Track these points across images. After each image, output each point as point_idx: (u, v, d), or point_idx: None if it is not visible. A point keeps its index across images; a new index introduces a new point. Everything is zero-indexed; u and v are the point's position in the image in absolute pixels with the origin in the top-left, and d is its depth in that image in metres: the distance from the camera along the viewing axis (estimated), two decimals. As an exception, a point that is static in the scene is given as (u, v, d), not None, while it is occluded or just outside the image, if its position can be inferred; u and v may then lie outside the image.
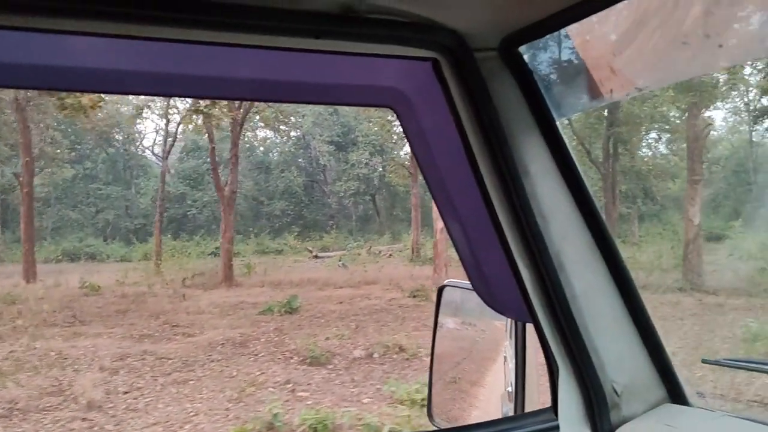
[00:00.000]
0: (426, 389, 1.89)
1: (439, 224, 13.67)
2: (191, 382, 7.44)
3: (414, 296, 13.72)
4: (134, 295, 14.98)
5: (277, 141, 37.37)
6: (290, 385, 7.20)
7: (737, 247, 19.42)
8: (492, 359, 1.88)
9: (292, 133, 37.44)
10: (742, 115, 33.44)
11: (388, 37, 1.05)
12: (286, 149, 36.95)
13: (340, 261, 23.21)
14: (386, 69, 1.23)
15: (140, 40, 0.94)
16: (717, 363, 1.51)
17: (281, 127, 37.51)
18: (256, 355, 8.86)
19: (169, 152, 23.73)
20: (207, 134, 17.99)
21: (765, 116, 31.69)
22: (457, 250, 1.42)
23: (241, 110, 16.97)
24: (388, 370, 7.88)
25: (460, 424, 1.64)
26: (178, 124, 23.46)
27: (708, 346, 8.73)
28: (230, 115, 16.36)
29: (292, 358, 8.65)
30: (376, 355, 8.55)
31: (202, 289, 16.46)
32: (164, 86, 1.20)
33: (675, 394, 1.23)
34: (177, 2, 0.87)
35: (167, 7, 0.86)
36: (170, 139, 24.20)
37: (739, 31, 1.11)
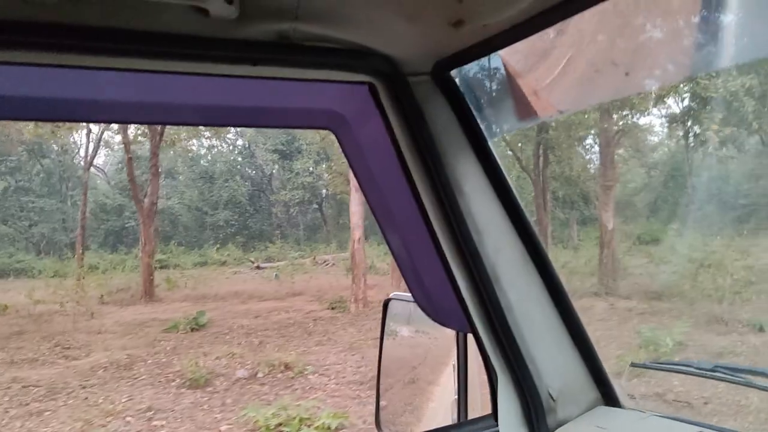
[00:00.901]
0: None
1: (357, 234, 13.28)
2: (47, 413, 6.81)
3: (332, 308, 13.28)
4: (42, 314, 14.12)
5: (224, 150, 36.58)
6: (150, 413, 6.65)
7: (663, 250, 19.61)
8: (446, 363, 1.93)
9: (239, 142, 36.75)
10: (679, 121, 34.14)
11: (323, 63, 1.08)
12: (231, 158, 36.16)
13: (275, 272, 22.61)
14: (324, 93, 1.26)
15: (84, 70, 0.95)
16: (644, 366, 1.61)
17: (228, 136, 36.87)
18: (135, 378, 8.26)
19: (91, 162, 22.81)
20: (151, 143, 17.22)
21: (697, 123, 32.43)
22: (398, 265, 1.44)
23: (161, 120, 16.26)
24: (267, 392, 7.41)
25: None
26: (117, 133, 22.63)
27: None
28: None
29: (173, 380, 8.10)
30: (260, 375, 8.06)
31: (119, 305, 15.69)
32: (107, 113, 1.19)
33: (608, 396, 1.29)
34: (117, 32, 0.88)
35: (107, 38, 0.88)
36: (106, 149, 23.26)
37: (643, 60, 1.18)
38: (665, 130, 33.87)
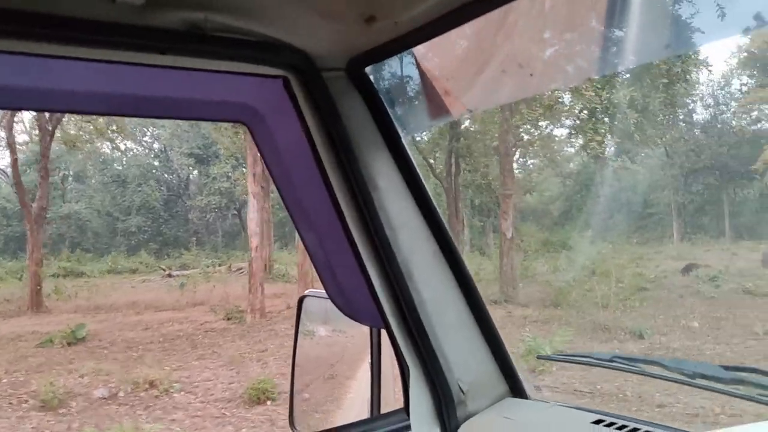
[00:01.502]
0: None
1: (254, 242, 12.74)
2: None
3: (228, 319, 12.68)
4: None
5: (139, 153, 34.99)
6: (-22, 442, 5.95)
7: (567, 258, 20.08)
8: (363, 359, 1.91)
9: (155, 145, 35.22)
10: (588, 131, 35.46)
11: (236, 55, 1.07)
12: (146, 162, 34.62)
13: (181, 281, 21.61)
14: (238, 85, 1.22)
15: None
16: (549, 358, 1.70)
17: (144, 139, 35.24)
18: (-19, 400, 7.45)
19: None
20: (41, 143, 15.88)
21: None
22: (313, 261, 1.43)
23: (52, 120, 15.20)
24: (124, 413, 6.81)
25: (319, 430, 1.65)
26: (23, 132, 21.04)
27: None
28: (36, 125, 14.55)
29: (26, 401, 7.34)
30: (121, 394, 7.44)
31: (1, 317, 14.46)
32: (7, 99, 1.11)
33: (516, 388, 1.34)
34: (17, 14, 0.84)
35: (7, 20, 0.84)
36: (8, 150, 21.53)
37: (546, 62, 1.23)
38: (577, 141, 35.13)
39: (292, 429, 1.85)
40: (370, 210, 1.20)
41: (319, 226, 1.38)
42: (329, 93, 1.18)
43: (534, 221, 34.69)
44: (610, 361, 1.30)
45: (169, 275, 24.82)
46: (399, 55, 1.21)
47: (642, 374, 1.27)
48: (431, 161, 19.26)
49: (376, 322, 1.30)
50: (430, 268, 1.27)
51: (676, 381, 1.15)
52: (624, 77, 11.48)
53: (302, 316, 1.90)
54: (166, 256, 29.68)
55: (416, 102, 1.45)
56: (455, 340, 1.27)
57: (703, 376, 1.10)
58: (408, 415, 1.25)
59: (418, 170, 1.27)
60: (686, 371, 1.14)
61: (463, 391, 1.26)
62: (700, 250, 26.18)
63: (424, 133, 20.19)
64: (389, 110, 1.25)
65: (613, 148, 13.72)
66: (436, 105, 1.35)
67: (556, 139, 30.09)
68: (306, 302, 1.92)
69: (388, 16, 1.01)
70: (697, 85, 31.81)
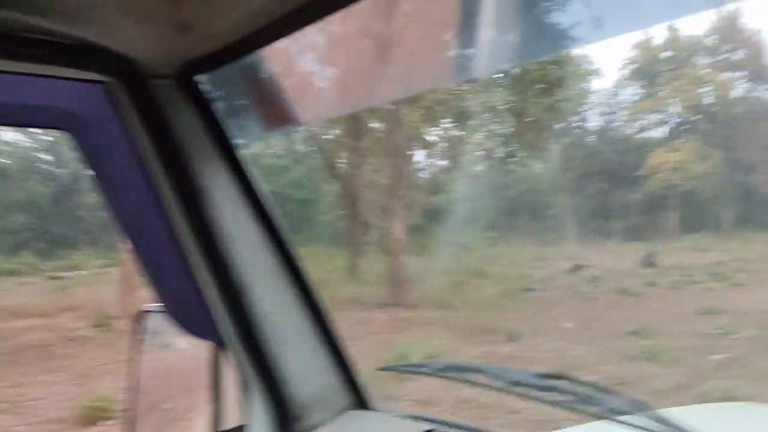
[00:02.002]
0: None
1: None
2: None
3: (97, 326, 11.67)
4: None
5: (26, 146, 32.31)
6: None
7: (464, 258, 20.30)
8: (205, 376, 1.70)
9: (44, 138, 32.62)
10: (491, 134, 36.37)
11: (51, 58, 1.01)
12: (34, 155, 32.00)
13: (65, 284, 20.02)
14: (58, 90, 1.17)
15: None
16: (392, 369, 1.56)
17: (34, 130, 32.54)
18: None
19: None
20: None
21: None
22: (147, 276, 1.37)
23: None
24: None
25: None
26: None
27: (363, 368, 8.15)
28: None
29: None
30: (-69, 419, 6.47)
31: None
32: None
33: (360, 401, 1.33)
34: None
35: None
36: None
37: (408, 64, 1.18)
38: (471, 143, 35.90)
39: None
40: (204, 223, 1.17)
41: (150, 238, 1.32)
42: (157, 101, 1.13)
43: (439, 222, 35.02)
44: (444, 370, 1.29)
45: (54, 277, 22.98)
46: (236, 64, 1.15)
47: (471, 383, 1.26)
48: (332, 161, 18.79)
49: (215, 337, 1.27)
50: (270, 281, 1.25)
51: (499, 389, 1.14)
52: (502, 82, 11.59)
53: (139, 333, 1.80)
54: (53, 257, 27.52)
55: (253, 112, 1.41)
56: (296, 353, 1.26)
57: (521, 384, 1.10)
58: None
59: (256, 180, 1.23)
60: (507, 379, 1.13)
61: (304, 406, 1.24)
62: (591, 251, 27.38)
63: (320, 129, 19.78)
64: (224, 120, 1.21)
65: (502, 152, 13.78)
66: (274, 115, 1.33)
67: (461, 141, 30.58)
68: (145, 317, 1.80)
69: (205, 25, 0.97)
70: (589, 94, 33.40)
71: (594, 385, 1.07)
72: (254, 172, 1.25)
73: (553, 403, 1.06)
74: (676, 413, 1.13)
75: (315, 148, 19.01)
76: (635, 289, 13.60)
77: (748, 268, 17.47)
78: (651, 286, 14.63)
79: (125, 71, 1.08)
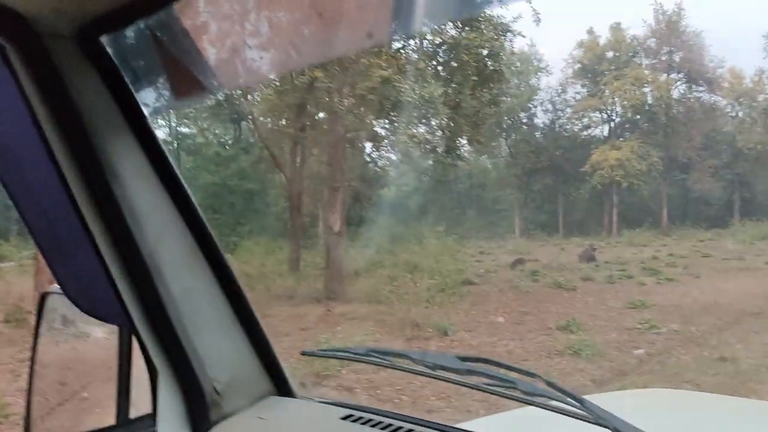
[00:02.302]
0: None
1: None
2: None
3: (8, 321, 10.93)
4: None
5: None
6: None
7: (409, 252, 20.20)
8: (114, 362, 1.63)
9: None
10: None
11: None
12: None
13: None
14: None
15: None
16: (313, 354, 1.47)
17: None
18: None
19: None
20: None
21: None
22: (45, 256, 1.24)
23: None
24: None
25: None
26: None
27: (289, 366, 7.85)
28: None
29: None
30: None
31: None
32: None
33: (280, 387, 1.28)
34: None
35: None
36: None
37: (326, 25, 1.13)
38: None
39: None
40: (109, 199, 1.07)
41: (49, 215, 1.19)
42: (56, 64, 1.00)
43: (386, 215, 34.83)
44: (366, 355, 1.26)
45: (-23, 269, 21.68)
46: (145, 22, 1.06)
47: (392, 367, 1.24)
48: (275, 151, 18.27)
49: (122, 320, 1.19)
50: (182, 261, 1.17)
51: (420, 373, 1.12)
52: (440, 74, 11.42)
53: (44, 315, 1.66)
54: (-20, 247, 26.01)
55: (163, 79, 1.29)
56: (211, 337, 1.20)
57: (443, 368, 1.09)
58: (155, 420, 1.17)
59: (167, 153, 1.15)
60: (428, 363, 1.11)
61: (218, 392, 1.19)
62: (536, 245, 27.79)
63: (266, 120, 19.27)
64: (132, 87, 1.10)
65: (443, 146, 13.66)
66: (184, 83, 1.24)
67: (408, 134, 30.44)
68: (48, 300, 1.68)
69: None
70: (539, 91, 33.90)
71: (515, 368, 1.06)
72: (164, 144, 1.17)
73: (475, 387, 1.05)
74: (597, 398, 1.13)
75: (260, 138, 18.43)
76: (571, 283, 13.75)
77: (679, 263, 18.01)
78: (587, 280, 14.84)
79: (18, 30, 0.97)
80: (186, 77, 1.22)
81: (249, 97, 17.12)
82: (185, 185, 1.17)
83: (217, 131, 32.53)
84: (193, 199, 1.18)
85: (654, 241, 27.49)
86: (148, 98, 1.21)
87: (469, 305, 11.38)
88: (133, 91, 1.12)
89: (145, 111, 1.15)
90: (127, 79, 1.11)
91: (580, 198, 35.04)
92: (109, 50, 1.09)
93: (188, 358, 1.16)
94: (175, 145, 32.86)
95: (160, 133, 32.54)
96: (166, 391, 1.18)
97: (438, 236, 30.56)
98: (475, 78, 11.10)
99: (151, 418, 1.23)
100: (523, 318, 10.00)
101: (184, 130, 33.44)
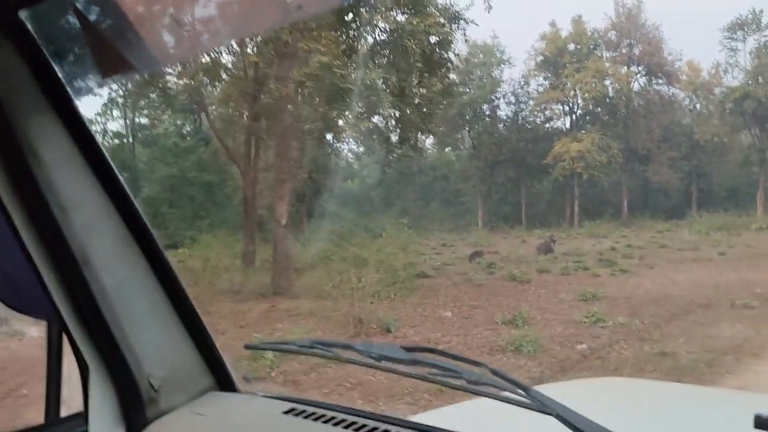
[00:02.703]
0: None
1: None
2: None
3: None
4: None
5: None
6: None
7: (362, 244, 19.81)
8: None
9: None
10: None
11: None
12: None
13: None
14: None
15: None
16: (257, 347, 1.59)
17: None
18: None
19: None
20: None
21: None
22: None
23: None
24: None
25: None
26: None
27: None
28: None
29: None
30: None
31: None
32: None
33: (222, 381, 1.26)
34: None
35: None
36: None
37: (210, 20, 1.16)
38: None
39: None
40: (32, 186, 1.01)
41: None
42: None
43: (353, 208, 34.44)
44: (311, 347, 1.20)
45: None
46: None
47: (337, 359, 1.21)
48: (227, 143, 17.63)
49: (52, 316, 1.12)
50: (115, 253, 1.11)
51: (365, 364, 1.09)
52: (380, 60, 10.96)
53: None
54: None
55: (88, 57, 1.18)
56: (147, 332, 1.14)
57: (388, 359, 1.05)
58: (86, 419, 1.11)
59: (97, 138, 1.07)
60: (373, 354, 1.07)
61: (154, 388, 1.13)
62: (498, 237, 27.71)
63: (221, 110, 18.64)
64: (56, 65, 1.02)
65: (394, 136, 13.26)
66: (108, 62, 1.14)
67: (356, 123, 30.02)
68: None
69: None
70: (501, 83, 33.80)
71: (461, 358, 1.04)
72: (92, 128, 1.09)
73: (420, 377, 1.04)
74: (544, 388, 1.10)
75: (212, 128, 17.79)
76: (527, 275, 13.54)
77: (635, 254, 18.04)
78: (543, 272, 14.66)
79: None
80: (113, 54, 1.14)
81: (208, 85, 16.51)
82: (117, 172, 1.11)
83: (179, 122, 31.58)
84: (126, 187, 1.12)
85: (614, 232, 27.65)
86: (74, 78, 1.13)
87: (419, 299, 11.06)
88: (57, 70, 1.05)
89: (72, 92, 1.07)
90: (50, 58, 1.04)
91: (543, 190, 35.16)
92: (30, 26, 1.01)
93: (122, 353, 1.11)
94: (131, 138, 31.88)
95: (115, 125, 31.39)
96: (97, 388, 1.12)
97: (399, 228, 30.28)
98: (420, 65, 10.67)
99: (80, 417, 1.17)
100: (472, 312, 9.71)
101: (144, 121, 32.52)
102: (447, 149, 35.66)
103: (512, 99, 33.59)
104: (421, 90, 11.24)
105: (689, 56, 43.19)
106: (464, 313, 9.62)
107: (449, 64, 11.63)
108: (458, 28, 11.53)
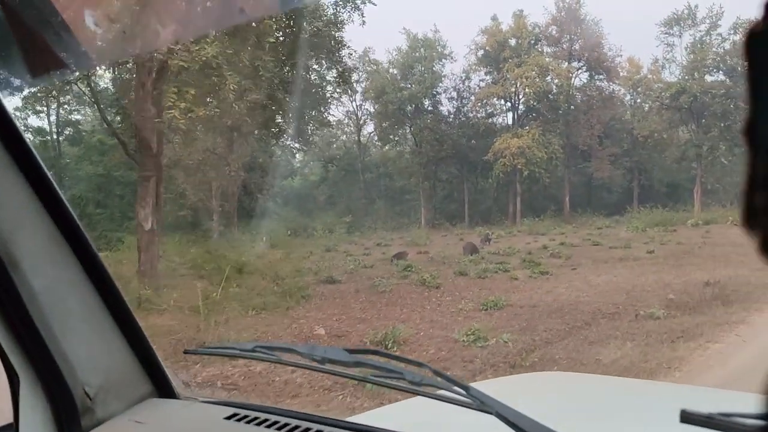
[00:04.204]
0: None
1: None
2: None
3: None
4: None
5: None
6: None
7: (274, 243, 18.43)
8: None
9: None
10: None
11: None
12: None
13: None
14: None
15: None
16: (196, 352, 1.44)
17: None
18: None
19: None
20: None
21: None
22: None
23: None
24: None
25: None
26: None
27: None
28: None
29: None
30: None
31: None
32: None
33: (162, 388, 1.23)
34: None
35: None
36: None
37: (141, 20, 1.26)
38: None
39: None
40: None
41: None
42: None
43: (296, 207, 32.83)
44: (252, 351, 1.18)
45: None
46: None
47: (280, 363, 1.16)
48: (124, 138, 15.96)
49: None
50: (45, 254, 1.05)
51: (308, 368, 1.07)
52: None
53: None
54: None
55: (14, 55, 1.13)
56: (81, 338, 1.09)
57: (331, 361, 1.03)
58: (17, 430, 1.06)
59: (22, 133, 1.02)
60: (316, 357, 1.05)
61: (90, 397, 1.09)
62: (437, 236, 26.66)
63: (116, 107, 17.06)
64: None
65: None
66: (38, 61, 1.09)
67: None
68: None
69: None
70: (444, 78, 32.70)
71: (403, 359, 1.02)
72: (17, 124, 1.01)
73: (363, 379, 1.02)
74: (485, 384, 1.16)
75: (105, 122, 16.15)
76: (437, 280, 12.36)
77: (564, 253, 17.13)
78: (461, 275, 13.54)
79: None
80: (42, 52, 1.07)
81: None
82: (45, 169, 1.04)
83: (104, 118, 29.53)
84: (55, 185, 1.05)
85: (554, 229, 26.91)
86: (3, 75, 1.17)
87: (304, 311, 9.73)
88: None
89: None
90: None
91: (487, 187, 34.28)
92: None
93: (53, 360, 1.05)
94: (55, 135, 29.74)
95: (39, 121, 29.15)
96: (28, 398, 1.06)
97: (341, 227, 28.83)
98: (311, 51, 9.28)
99: (12, 428, 1.10)
100: (351, 329, 8.41)
101: (76, 117, 30.58)
102: (386, 147, 34.41)
103: (454, 94, 32.54)
104: (310, 75, 9.91)
105: (629, 52, 43.02)
106: (342, 330, 8.32)
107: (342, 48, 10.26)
108: (353, 8, 10.20)
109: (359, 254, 19.61)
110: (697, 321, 7.94)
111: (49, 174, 1.05)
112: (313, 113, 17.37)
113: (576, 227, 27.72)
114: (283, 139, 30.11)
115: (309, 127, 24.36)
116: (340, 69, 10.64)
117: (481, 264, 14.95)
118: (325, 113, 20.98)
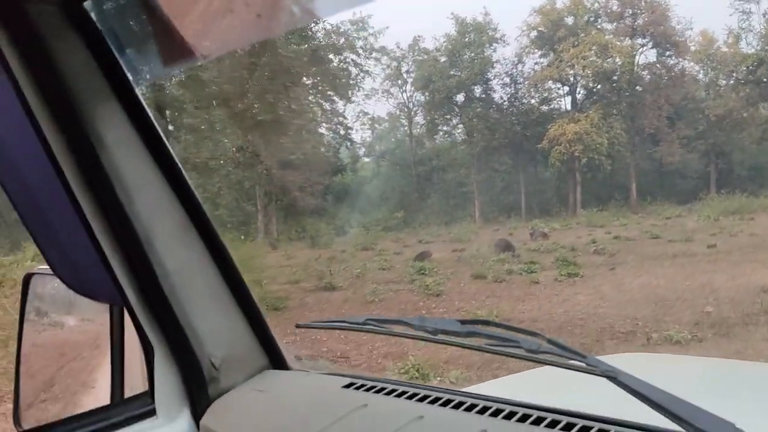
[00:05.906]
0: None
1: None
2: None
3: None
4: None
5: None
6: None
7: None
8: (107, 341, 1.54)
9: None
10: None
11: None
12: None
13: None
14: None
15: None
16: (308, 326, 1.42)
17: None
18: None
19: None
20: None
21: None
22: (32, 234, 1.15)
23: None
24: None
25: (50, 422, 1.41)
26: None
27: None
28: None
29: None
30: None
31: None
32: None
33: (275, 361, 1.25)
34: None
35: None
36: None
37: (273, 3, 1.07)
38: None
39: (17, 428, 1.55)
40: (98, 171, 0.98)
41: (35, 191, 1.09)
42: (39, 32, 0.91)
43: (347, 204, 31.85)
44: (364, 324, 1.15)
45: None
46: None
47: (391, 335, 1.17)
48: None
49: (115, 298, 1.10)
50: (176, 236, 1.08)
51: (421, 339, 1.03)
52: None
53: (29, 297, 1.57)
54: None
55: (149, 45, 1.12)
56: (206, 313, 1.12)
57: (444, 332, 1.00)
58: (152, 398, 1.10)
59: (156, 124, 1.04)
60: (428, 328, 1.02)
61: (215, 367, 1.12)
62: (488, 230, 24.86)
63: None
64: (119, 54, 1.00)
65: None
66: (169, 50, 1.08)
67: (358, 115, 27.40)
68: (33, 281, 1.58)
69: None
70: (495, 63, 30.52)
71: (516, 328, 0.97)
72: (153, 115, 1.04)
73: (478, 348, 0.98)
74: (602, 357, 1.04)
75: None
76: (440, 286, 10.85)
77: (610, 249, 14.99)
78: (475, 279, 11.93)
79: None
80: (174, 41, 1.04)
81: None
82: (175, 157, 1.07)
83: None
84: (183, 171, 1.08)
85: (615, 220, 24.32)
86: (135, 65, 1.08)
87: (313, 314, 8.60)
88: (118, 58, 1.02)
89: (131, 79, 1.03)
90: (112, 46, 1.01)
91: (546, 177, 31.77)
92: (93, 15, 1.00)
93: (185, 334, 1.09)
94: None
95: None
96: (162, 368, 1.11)
97: (380, 224, 27.27)
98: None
99: (147, 396, 1.15)
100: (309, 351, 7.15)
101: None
102: (436, 138, 32.65)
103: (506, 80, 30.27)
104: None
105: (700, 24, 38.57)
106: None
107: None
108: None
109: (391, 253, 18.29)
110: (733, 348, 6.00)
111: (179, 163, 1.06)
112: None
113: (642, 217, 24.97)
114: (334, 136, 29.22)
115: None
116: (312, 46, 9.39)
117: (507, 264, 13.19)
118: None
